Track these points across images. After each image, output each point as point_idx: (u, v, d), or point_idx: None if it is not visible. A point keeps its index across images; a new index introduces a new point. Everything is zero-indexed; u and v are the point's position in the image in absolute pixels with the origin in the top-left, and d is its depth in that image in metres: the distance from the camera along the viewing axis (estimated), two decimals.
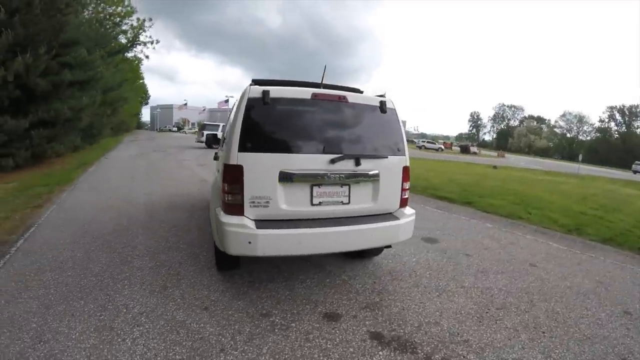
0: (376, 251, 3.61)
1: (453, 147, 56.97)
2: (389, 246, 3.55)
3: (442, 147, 50.60)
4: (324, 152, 2.65)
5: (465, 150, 47.56)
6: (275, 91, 2.63)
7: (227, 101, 38.25)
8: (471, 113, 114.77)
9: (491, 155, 48.72)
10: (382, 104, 2.91)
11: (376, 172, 2.82)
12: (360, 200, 2.81)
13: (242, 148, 2.51)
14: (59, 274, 3.13)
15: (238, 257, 2.93)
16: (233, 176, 2.51)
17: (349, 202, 2.77)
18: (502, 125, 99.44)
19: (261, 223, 2.55)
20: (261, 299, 2.81)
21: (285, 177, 2.58)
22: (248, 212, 2.56)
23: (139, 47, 27.65)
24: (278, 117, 2.63)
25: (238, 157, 2.51)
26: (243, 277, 3.18)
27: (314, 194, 2.68)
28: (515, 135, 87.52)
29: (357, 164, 2.72)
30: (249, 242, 2.45)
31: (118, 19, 23.60)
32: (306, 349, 2.25)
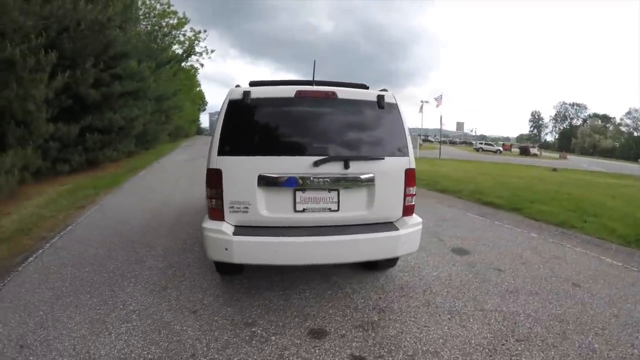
0: (390, 263, 3.27)
1: (512, 149, 53.60)
2: (393, 261, 3.22)
3: (501, 149, 47.98)
4: (308, 154, 2.46)
5: (524, 151, 44.30)
6: (257, 92, 2.55)
7: None
8: (532, 112, 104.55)
9: (553, 157, 44.23)
10: (380, 99, 2.61)
11: (370, 175, 2.52)
12: (352, 207, 2.54)
13: (221, 152, 2.47)
14: (77, 269, 3.38)
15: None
16: (213, 181, 2.48)
17: (338, 209, 2.52)
18: (564, 125, 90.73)
19: (241, 229, 2.46)
20: (251, 307, 2.70)
21: (265, 182, 2.45)
22: (228, 217, 2.50)
23: (194, 57, 29.18)
24: (259, 118, 2.55)
25: (217, 161, 2.47)
26: (242, 282, 3.11)
27: (298, 199, 2.49)
28: (578, 135, 79.71)
29: (346, 166, 2.47)
30: (226, 249, 2.39)
31: (168, 29, 24.76)
32: (263, 351, 2.13)
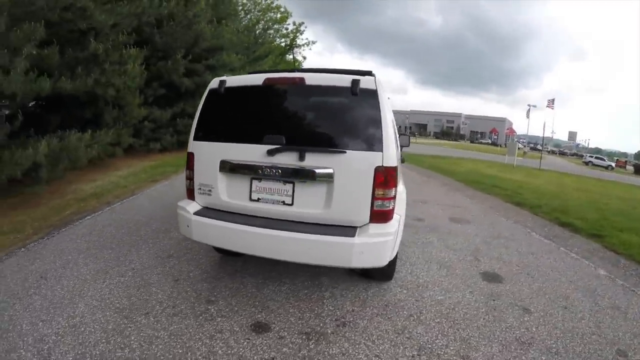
0: (383, 275, 2.91)
1: (627, 166, 44.01)
2: (386, 274, 2.86)
3: (613, 164, 41.08)
4: (265, 142, 2.32)
5: (639, 170, 36.01)
6: (231, 80, 2.59)
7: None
8: None
9: None
10: (354, 84, 2.25)
11: (328, 171, 2.22)
12: (308, 203, 2.30)
13: (196, 136, 2.62)
14: (117, 230, 4.00)
15: None
16: (188, 163, 2.65)
17: (292, 204, 2.32)
18: None
19: (204, 211, 2.54)
20: (225, 288, 2.75)
21: (225, 167, 2.46)
22: (198, 198, 2.62)
23: (296, 49, 29.64)
24: (229, 106, 2.56)
25: (192, 145, 2.63)
26: (235, 264, 3.17)
27: (254, 188, 2.40)
28: None
29: (301, 158, 2.24)
30: (187, 226, 2.51)
31: (271, 23, 25.81)
32: (193, 343, 2.10)
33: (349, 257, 2.13)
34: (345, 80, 2.32)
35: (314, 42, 30.86)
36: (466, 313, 2.61)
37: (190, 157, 2.63)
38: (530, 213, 6.43)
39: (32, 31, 4.53)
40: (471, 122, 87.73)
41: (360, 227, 2.25)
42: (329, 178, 2.24)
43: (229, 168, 2.46)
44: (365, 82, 2.30)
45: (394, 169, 2.26)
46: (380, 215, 2.25)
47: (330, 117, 2.36)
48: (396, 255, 2.73)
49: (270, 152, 2.31)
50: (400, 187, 2.74)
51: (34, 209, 4.65)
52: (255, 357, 2.02)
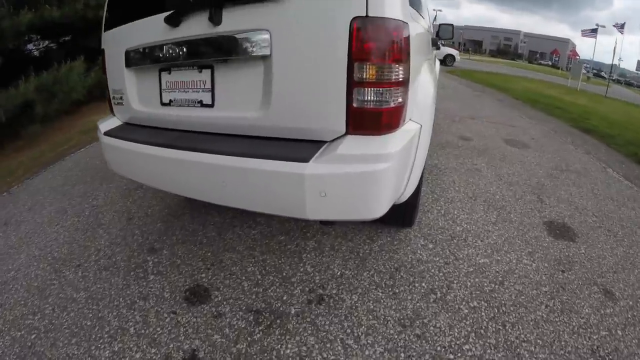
0: (397, 219, 1.89)
1: None
2: (402, 217, 1.87)
3: None
4: (167, 8, 1.28)
5: None
6: None
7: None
8: None
9: None
10: None
11: (262, 36, 1.09)
12: (235, 101, 1.24)
13: (106, 25, 1.68)
14: (101, 162, 3.20)
15: None
16: (102, 65, 1.76)
17: (212, 104, 1.28)
18: None
19: (118, 129, 1.67)
20: (180, 231, 2.02)
21: (130, 60, 1.51)
22: (116, 111, 1.74)
23: None
24: None
25: (103, 38, 1.72)
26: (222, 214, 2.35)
27: (164, 85, 1.42)
28: None
29: (215, 18, 1.14)
30: (102, 149, 1.71)
31: None
32: (107, 313, 1.47)
33: (300, 200, 1.06)
34: None
35: None
36: (520, 293, 1.59)
37: (103, 56, 1.73)
38: (601, 143, 4.89)
39: None
40: (530, 41, 77.02)
41: (329, 141, 1.12)
42: (263, 49, 1.11)
43: (134, 60, 1.50)
44: None
45: (400, 26, 1.06)
46: (368, 119, 1.07)
47: None
48: (417, 195, 1.76)
49: (170, 20, 1.25)
50: (425, 78, 1.53)
51: (36, 149, 4.17)
52: (172, 345, 1.28)
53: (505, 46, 77.34)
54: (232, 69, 1.20)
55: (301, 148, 1.09)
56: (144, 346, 1.29)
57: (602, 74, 47.23)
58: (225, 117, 1.26)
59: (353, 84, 1.03)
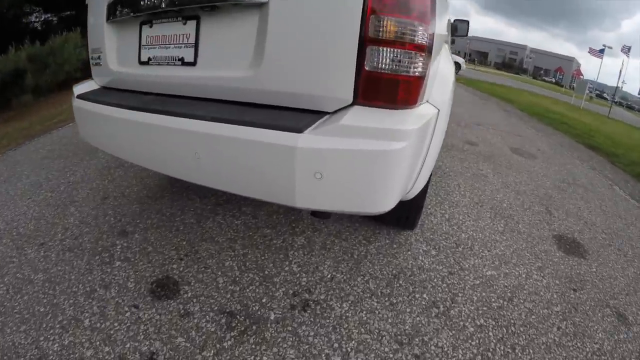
0: (398, 220, 1.71)
1: None
2: (406, 218, 1.68)
3: None
4: None
5: None
6: None
7: None
8: None
9: None
10: None
11: None
12: (220, 57, 1.02)
13: None
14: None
15: None
16: (86, 23, 1.54)
17: (194, 62, 1.06)
18: None
19: (94, 93, 1.46)
20: (155, 215, 1.80)
21: (111, 12, 1.30)
22: (94, 73, 1.54)
23: None
24: None
25: None
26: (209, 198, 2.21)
27: (143, 41, 1.21)
28: None
29: None
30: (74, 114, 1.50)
31: None
32: (63, 300, 1.27)
33: (288, 182, 0.85)
34: None
35: None
36: (530, 312, 1.41)
37: (87, 12, 1.53)
38: (607, 161, 4.79)
39: None
40: (536, 57, 77.45)
41: (332, 113, 0.89)
42: None
43: (114, 11, 1.29)
44: None
45: None
46: (383, 87, 0.86)
47: None
48: (424, 193, 1.57)
49: None
50: (446, 61, 1.31)
51: (25, 120, 3.97)
52: (128, 345, 1.09)
53: (511, 60, 77.28)
54: (221, 20, 1.00)
55: (295, 117, 0.88)
56: (97, 343, 1.10)
57: (604, 95, 47.44)
58: (207, 77, 1.04)
59: (367, 41, 0.82)
